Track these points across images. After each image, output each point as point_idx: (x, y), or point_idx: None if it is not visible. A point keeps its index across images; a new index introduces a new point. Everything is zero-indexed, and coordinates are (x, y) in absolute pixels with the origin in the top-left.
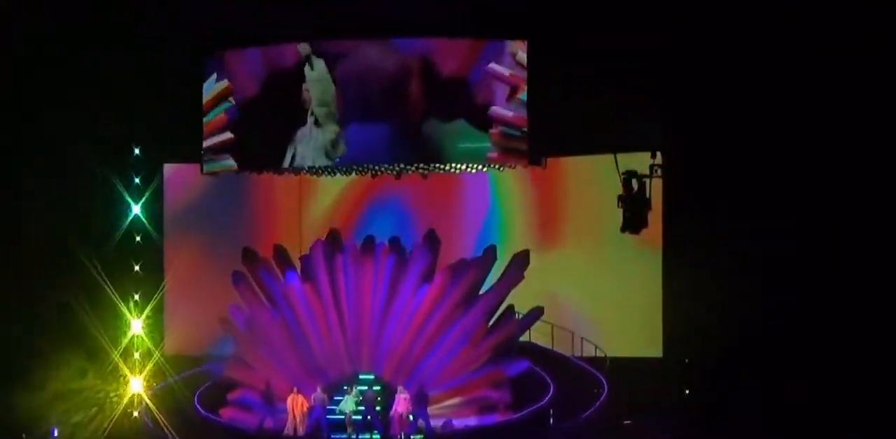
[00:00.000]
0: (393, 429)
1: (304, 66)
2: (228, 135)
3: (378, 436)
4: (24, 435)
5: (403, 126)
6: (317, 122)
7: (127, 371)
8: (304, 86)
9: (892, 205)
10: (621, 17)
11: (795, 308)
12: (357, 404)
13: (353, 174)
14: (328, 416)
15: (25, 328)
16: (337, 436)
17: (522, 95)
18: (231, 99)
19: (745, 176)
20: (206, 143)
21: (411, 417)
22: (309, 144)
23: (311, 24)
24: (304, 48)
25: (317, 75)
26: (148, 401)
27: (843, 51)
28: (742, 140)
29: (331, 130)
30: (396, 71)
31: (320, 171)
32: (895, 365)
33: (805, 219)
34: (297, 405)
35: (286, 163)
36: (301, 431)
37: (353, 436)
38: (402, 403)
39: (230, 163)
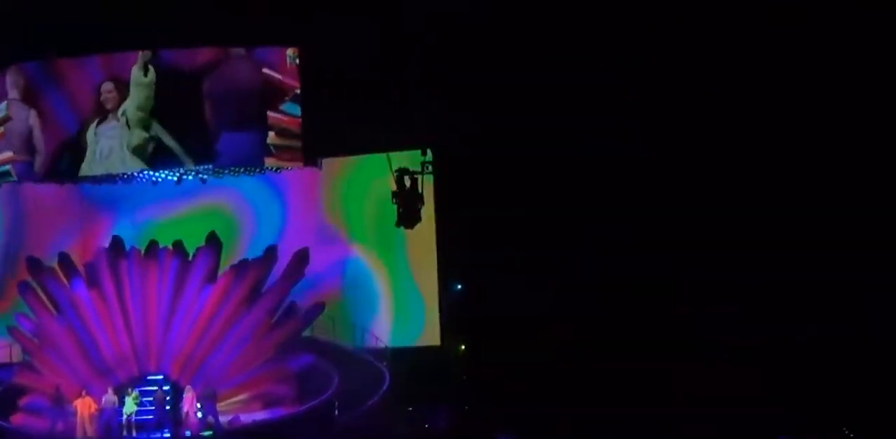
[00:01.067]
0: (183, 427)
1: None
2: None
3: (168, 435)
4: None
5: (186, 131)
6: (127, 124)
7: None
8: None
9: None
10: (389, 18)
11: (568, 292)
12: (137, 405)
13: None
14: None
15: None
16: (127, 437)
17: (296, 99)
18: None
19: (511, 168)
20: None
21: (199, 414)
22: (115, 141)
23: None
24: (145, 55)
25: (148, 81)
26: None
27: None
28: (507, 135)
29: (139, 135)
30: (183, 80)
31: (104, 179)
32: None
33: (569, 206)
34: (85, 407)
35: (90, 163)
36: (91, 433)
37: (140, 437)
38: (189, 401)
39: (10, 174)
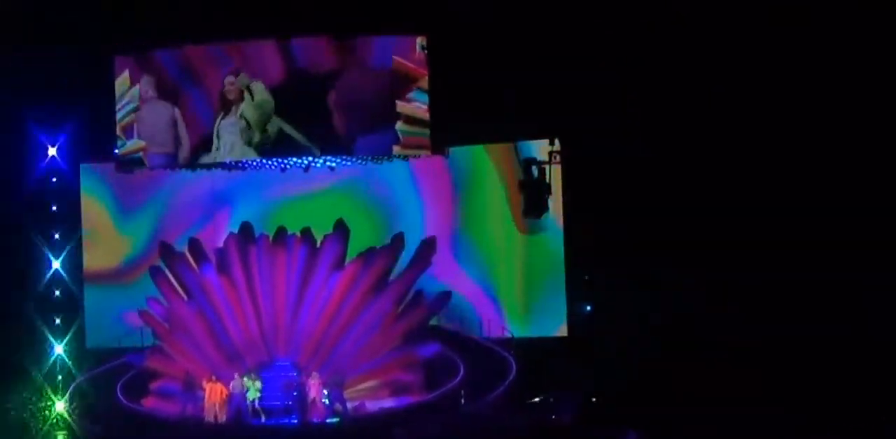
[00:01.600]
0: (310, 414)
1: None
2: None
3: (296, 421)
4: None
5: (313, 120)
6: (248, 125)
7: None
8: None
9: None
10: (518, 8)
11: (695, 287)
12: (259, 391)
13: (266, 168)
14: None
15: None
16: (257, 422)
17: (424, 87)
18: (140, 99)
19: (639, 159)
20: (120, 143)
21: (326, 401)
22: (235, 137)
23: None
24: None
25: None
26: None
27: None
28: (635, 126)
29: (259, 133)
30: (310, 70)
31: (232, 167)
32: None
33: (698, 200)
34: (215, 392)
35: (215, 156)
36: (220, 417)
37: (268, 422)
38: (315, 388)
39: (143, 161)
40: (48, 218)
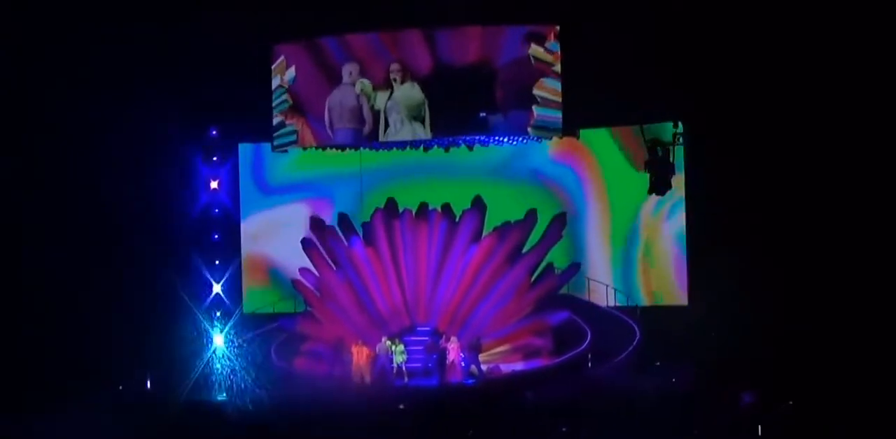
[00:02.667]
0: (449, 375)
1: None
2: (299, 117)
3: (436, 382)
4: (120, 387)
5: (460, 102)
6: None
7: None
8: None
9: None
10: None
11: (815, 260)
12: (403, 354)
13: (408, 148)
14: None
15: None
16: (400, 382)
17: (558, 73)
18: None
19: (760, 141)
20: (276, 123)
21: (463, 364)
22: (399, 115)
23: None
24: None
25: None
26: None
27: (864, 19)
28: (757, 109)
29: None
30: (456, 57)
31: (379, 146)
32: None
33: (824, 182)
34: (361, 355)
35: (382, 136)
36: (366, 378)
37: (410, 383)
38: (454, 351)
39: (297, 140)
40: (210, 246)
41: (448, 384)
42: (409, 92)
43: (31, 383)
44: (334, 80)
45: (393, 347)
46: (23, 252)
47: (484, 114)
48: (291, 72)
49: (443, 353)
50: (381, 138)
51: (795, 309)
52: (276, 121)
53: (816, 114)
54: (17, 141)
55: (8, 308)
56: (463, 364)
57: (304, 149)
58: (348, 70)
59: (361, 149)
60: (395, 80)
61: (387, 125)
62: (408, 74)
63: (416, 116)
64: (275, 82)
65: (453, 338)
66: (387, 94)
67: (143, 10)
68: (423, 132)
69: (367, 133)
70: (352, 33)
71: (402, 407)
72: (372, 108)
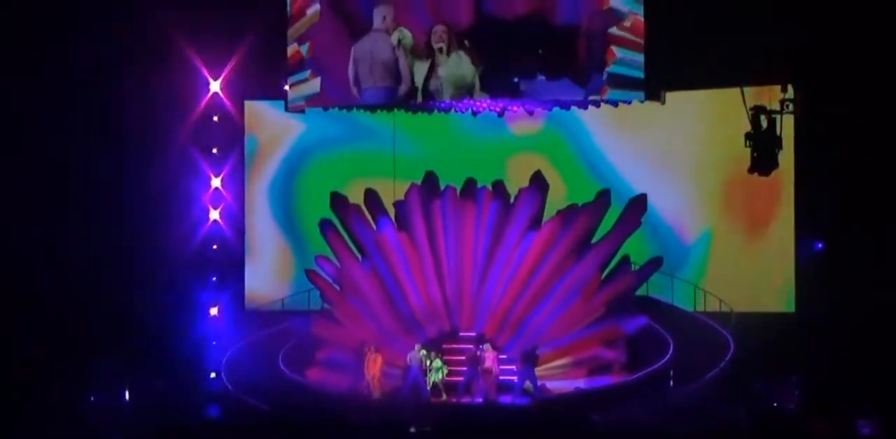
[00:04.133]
0: (488, 392)
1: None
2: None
3: (480, 400)
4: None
5: (520, 61)
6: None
7: None
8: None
9: None
10: None
11: None
12: (441, 368)
13: (452, 111)
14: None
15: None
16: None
17: (640, 26)
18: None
19: (885, 112)
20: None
21: (516, 378)
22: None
23: None
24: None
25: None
26: None
27: None
28: (880, 72)
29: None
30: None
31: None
32: None
33: None
34: (374, 364)
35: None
36: (377, 394)
37: (450, 401)
38: (489, 360)
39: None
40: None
41: (495, 403)
42: (457, 66)
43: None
44: (360, 26)
45: (428, 361)
46: None
47: (545, 76)
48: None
49: (484, 365)
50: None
51: None
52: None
53: None
54: None
55: None
56: (515, 379)
57: (326, 109)
58: (381, 14)
59: (395, 110)
60: (440, 50)
61: (437, 85)
62: (454, 42)
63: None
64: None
65: (487, 345)
66: (426, 64)
67: None
68: (480, 91)
69: (403, 92)
70: None
71: (412, 430)
72: (411, 66)
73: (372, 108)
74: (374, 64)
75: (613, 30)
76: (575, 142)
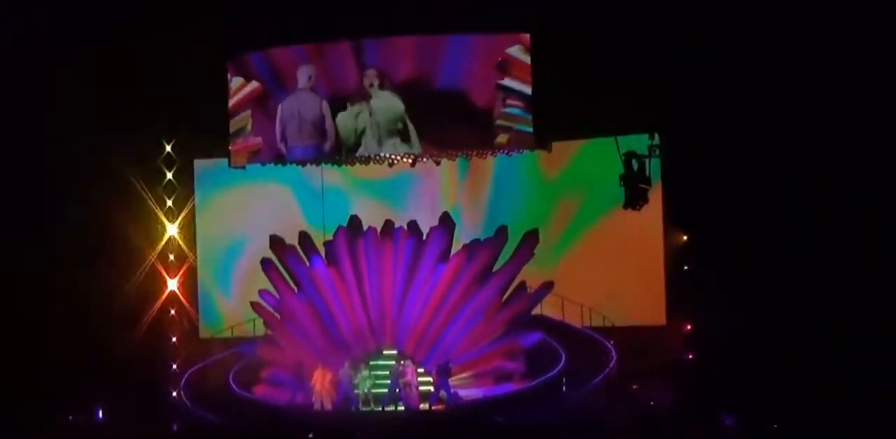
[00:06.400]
0: (410, 400)
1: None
2: (257, 138)
3: (403, 408)
4: (70, 417)
5: (422, 117)
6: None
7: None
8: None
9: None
10: (618, 7)
11: (794, 277)
12: (366, 381)
13: (371, 163)
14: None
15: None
16: (366, 409)
17: (528, 84)
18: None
19: (738, 153)
20: (234, 141)
21: (431, 389)
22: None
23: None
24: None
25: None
26: None
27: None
28: (733, 120)
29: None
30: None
31: (352, 161)
32: None
33: (800, 191)
34: (323, 380)
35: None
36: (327, 405)
37: (375, 409)
38: (409, 374)
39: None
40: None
41: (416, 410)
42: (390, 98)
43: None
44: (287, 86)
45: (357, 372)
46: None
47: (445, 127)
48: (247, 86)
49: (405, 377)
50: (347, 157)
51: (779, 328)
52: (232, 136)
53: (798, 124)
54: None
55: None
56: (431, 389)
57: (263, 164)
58: (306, 73)
59: (321, 165)
60: (370, 85)
61: (358, 144)
62: (387, 80)
63: (395, 131)
64: (231, 100)
65: (407, 361)
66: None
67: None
68: (407, 147)
69: (329, 149)
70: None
71: (358, 435)
72: (336, 122)
73: (301, 163)
74: (303, 122)
75: (506, 87)
76: (477, 185)
